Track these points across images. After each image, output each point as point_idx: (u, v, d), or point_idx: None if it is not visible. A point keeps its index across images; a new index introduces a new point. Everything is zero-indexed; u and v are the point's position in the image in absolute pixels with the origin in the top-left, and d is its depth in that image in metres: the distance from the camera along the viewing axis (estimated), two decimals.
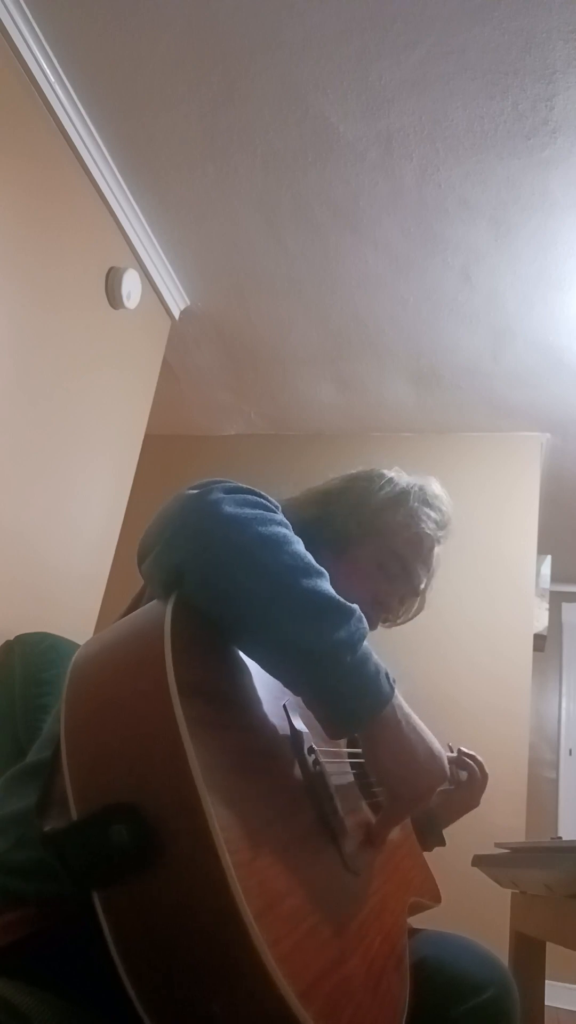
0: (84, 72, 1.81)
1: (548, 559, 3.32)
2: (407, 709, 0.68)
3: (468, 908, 2.27)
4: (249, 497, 0.68)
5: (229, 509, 0.64)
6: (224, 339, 2.78)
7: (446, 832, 1.16)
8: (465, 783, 1.17)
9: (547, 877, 0.93)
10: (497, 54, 1.58)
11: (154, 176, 2.09)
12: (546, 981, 1.29)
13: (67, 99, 1.86)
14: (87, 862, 0.47)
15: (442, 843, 1.16)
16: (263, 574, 0.62)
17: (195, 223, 2.24)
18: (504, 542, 2.90)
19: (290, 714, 0.70)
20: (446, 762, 0.69)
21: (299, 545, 0.66)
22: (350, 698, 0.63)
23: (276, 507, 0.71)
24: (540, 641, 3.13)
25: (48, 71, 1.79)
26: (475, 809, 1.17)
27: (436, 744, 0.69)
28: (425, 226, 2.09)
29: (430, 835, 1.15)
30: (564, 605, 4.46)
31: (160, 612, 0.58)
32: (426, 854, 1.07)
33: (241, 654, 0.66)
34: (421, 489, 1.05)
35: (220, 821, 0.46)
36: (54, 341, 1.97)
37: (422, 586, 1.05)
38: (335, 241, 2.21)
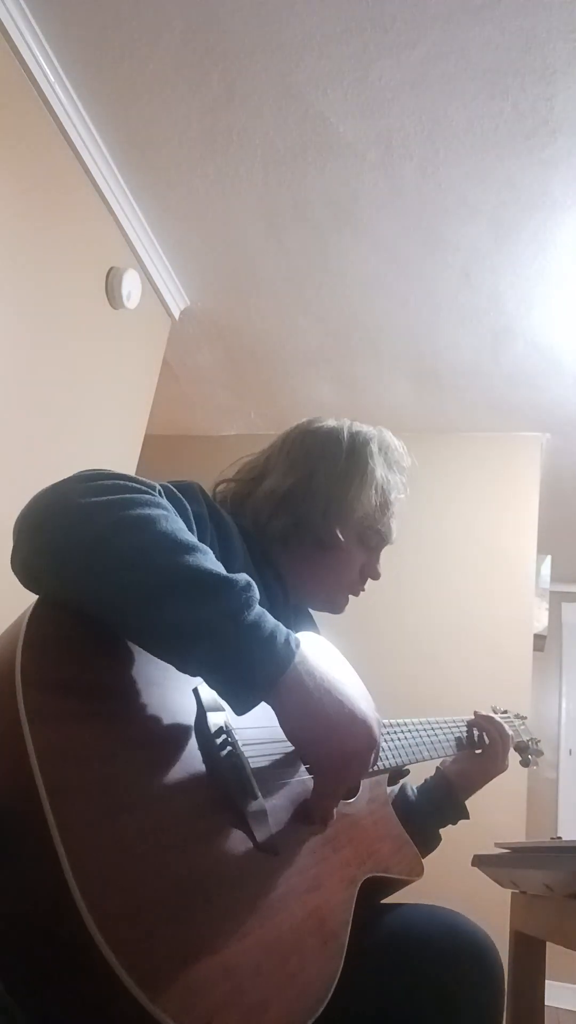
0: (84, 72, 1.81)
1: (548, 559, 3.32)
2: (321, 672, 0.64)
3: (468, 908, 2.26)
4: (107, 483, 0.64)
5: (80, 500, 0.62)
6: (224, 339, 2.78)
7: (444, 831, 1.13)
8: (486, 748, 1.17)
9: (547, 877, 0.93)
10: (497, 54, 1.58)
11: (154, 176, 2.09)
12: (546, 981, 1.29)
13: (67, 99, 1.86)
14: None
15: (465, 816, 1.13)
16: (120, 559, 0.59)
17: (195, 223, 2.24)
18: (504, 542, 2.90)
19: (201, 698, 0.67)
20: (374, 724, 0.65)
21: (169, 523, 0.62)
22: (241, 667, 0.59)
23: (151, 489, 0.67)
24: (540, 641, 3.13)
25: (48, 71, 1.79)
26: (476, 812, 1.16)
27: (360, 706, 0.64)
28: (425, 226, 2.09)
29: (451, 809, 1.12)
30: (564, 605, 4.46)
31: (26, 612, 0.59)
32: (426, 851, 1.05)
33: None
34: (383, 452, 1.03)
35: (57, 808, 0.47)
36: (54, 341, 1.97)
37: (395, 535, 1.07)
38: (335, 241, 2.21)
